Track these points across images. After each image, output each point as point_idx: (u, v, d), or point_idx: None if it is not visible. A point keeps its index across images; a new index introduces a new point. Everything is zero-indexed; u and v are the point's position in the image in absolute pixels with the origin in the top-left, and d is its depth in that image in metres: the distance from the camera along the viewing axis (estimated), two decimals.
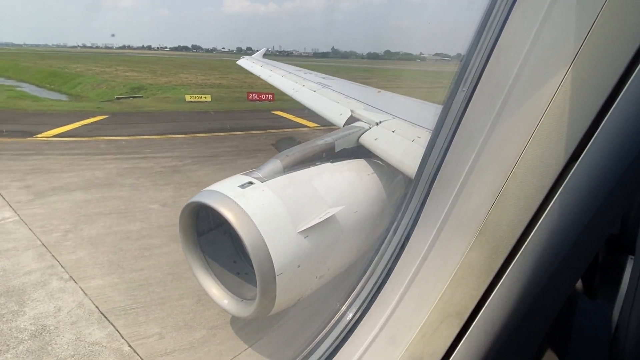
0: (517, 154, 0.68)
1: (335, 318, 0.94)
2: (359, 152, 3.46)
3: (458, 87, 0.80)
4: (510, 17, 0.71)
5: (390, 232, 0.92)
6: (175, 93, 24.45)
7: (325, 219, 2.58)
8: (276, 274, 2.35)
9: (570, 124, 0.64)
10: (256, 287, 2.37)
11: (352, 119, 4.07)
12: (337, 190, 2.88)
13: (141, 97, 24.14)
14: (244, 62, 11.15)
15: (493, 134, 0.72)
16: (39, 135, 12.97)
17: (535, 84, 0.68)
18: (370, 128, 3.59)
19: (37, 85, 30.85)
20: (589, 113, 0.61)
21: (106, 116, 17.14)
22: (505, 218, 0.70)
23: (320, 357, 0.90)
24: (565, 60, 0.64)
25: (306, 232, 2.51)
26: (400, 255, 0.86)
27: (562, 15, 0.65)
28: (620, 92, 0.58)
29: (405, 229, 0.87)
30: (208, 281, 2.81)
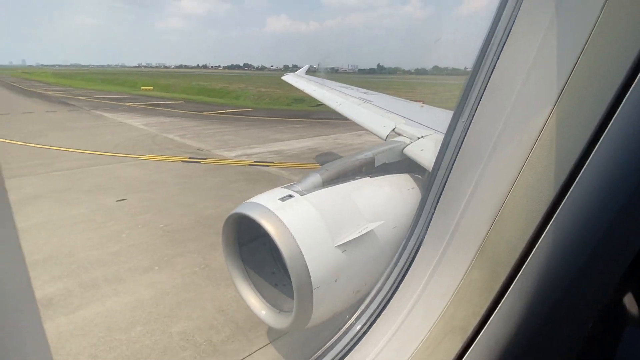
0: (512, 180, 0.73)
1: (344, 328, 1.00)
2: (400, 166, 3.42)
3: (458, 118, 0.88)
4: (499, 60, 0.79)
5: (400, 250, 0.99)
6: None
7: (364, 234, 2.56)
8: (313, 288, 2.36)
9: (560, 153, 0.68)
10: (293, 299, 2.39)
11: (393, 134, 4.04)
12: (376, 205, 2.85)
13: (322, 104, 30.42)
14: (288, 77, 11.51)
15: (491, 161, 0.79)
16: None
17: (527, 116, 0.74)
18: (412, 142, 3.54)
19: (197, 99, 36.47)
20: (579, 142, 0.65)
21: None
22: (504, 240, 0.74)
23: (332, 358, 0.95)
24: (552, 97, 0.70)
25: (344, 247, 2.50)
26: (408, 271, 0.91)
27: (549, 56, 0.71)
28: (609, 122, 0.62)
29: (413, 247, 0.93)
30: (247, 291, 2.87)
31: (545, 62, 0.71)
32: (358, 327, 0.95)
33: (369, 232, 2.59)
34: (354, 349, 0.91)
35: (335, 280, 2.46)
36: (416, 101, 9.04)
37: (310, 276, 2.34)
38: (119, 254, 6.23)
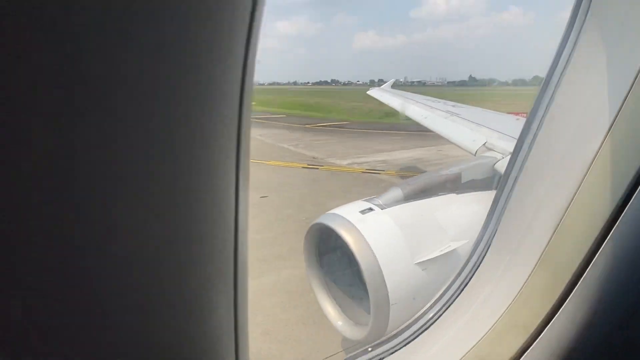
0: (570, 198, 0.82)
1: (419, 314, 1.19)
2: (489, 183, 3.20)
3: (523, 140, 1.02)
4: (558, 90, 0.88)
5: (470, 253, 1.13)
6: None
7: (446, 253, 2.45)
8: (390, 304, 2.32)
9: (616, 171, 0.74)
10: (369, 313, 2.38)
11: (483, 149, 3.81)
12: (461, 223, 2.71)
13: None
14: (374, 92, 11.60)
15: (550, 179, 0.89)
16: None
17: (583, 141, 0.83)
18: (504, 157, 3.30)
19: (297, 113, 39.86)
20: (633, 163, 0.70)
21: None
22: (564, 250, 0.82)
23: (402, 341, 1.15)
24: (604, 125, 0.78)
25: (424, 265, 2.42)
26: (476, 272, 1.04)
27: (602, 89, 0.80)
28: None
29: (482, 252, 1.06)
30: (326, 301, 2.94)
31: (598, 94, 0.81)
32: (430, 315, 1.11)
33: (451, 251, 2.48)
34: (425, 332, 1.08)
35: (414, 299, 2.39)
36: (515, 113, 8.33)
37: (388, 292, 2.32)
38: (276, 238, 7.66)
